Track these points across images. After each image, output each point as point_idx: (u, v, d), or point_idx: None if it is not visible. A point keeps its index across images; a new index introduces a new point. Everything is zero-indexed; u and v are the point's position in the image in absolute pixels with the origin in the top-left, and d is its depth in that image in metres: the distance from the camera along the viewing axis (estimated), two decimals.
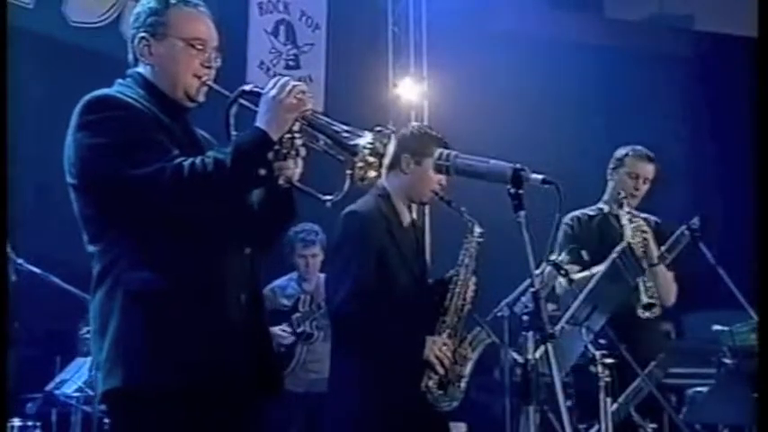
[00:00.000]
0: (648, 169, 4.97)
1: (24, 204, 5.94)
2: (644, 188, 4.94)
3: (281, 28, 7.88)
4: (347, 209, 3.85)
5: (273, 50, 7.78)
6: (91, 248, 2.68)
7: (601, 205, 5.03)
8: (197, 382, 2.57)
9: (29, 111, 5.96)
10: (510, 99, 8.35)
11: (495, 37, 8.74)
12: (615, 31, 9.51)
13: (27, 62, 5.96)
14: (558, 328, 3.47)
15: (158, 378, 2.53)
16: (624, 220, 4.81)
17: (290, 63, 7.60)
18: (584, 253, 4.64)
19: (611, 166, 5.03)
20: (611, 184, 5.02)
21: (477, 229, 3.97)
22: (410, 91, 8.43)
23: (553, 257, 4.02)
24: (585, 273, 4.27)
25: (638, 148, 5.02)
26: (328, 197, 2.72)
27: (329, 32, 8.11)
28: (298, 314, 5.90)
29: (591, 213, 4.98)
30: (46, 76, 6.33)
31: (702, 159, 9.16)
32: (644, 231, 4.75)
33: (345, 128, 2.62)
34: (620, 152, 5.04)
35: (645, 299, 4.62)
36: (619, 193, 4.92)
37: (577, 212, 4.96)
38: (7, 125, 3.85)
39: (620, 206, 4.87)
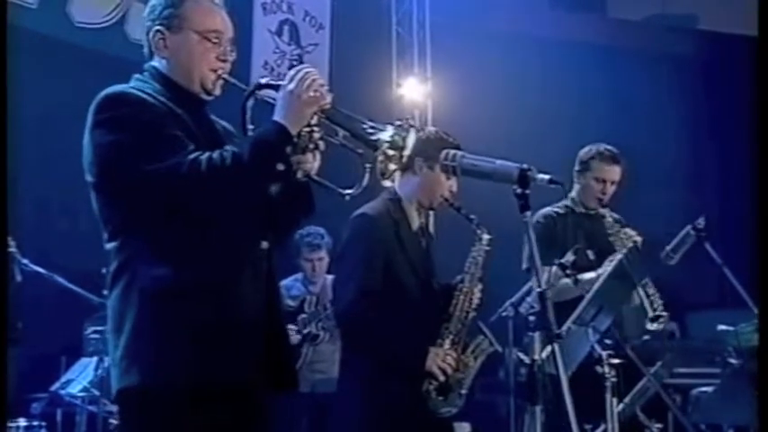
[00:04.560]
0: (615, 171, 4.85)
1: (26, 202, 5.94)
2: (611, 190, 4.84)
3: (285, 28, 7.90)
4: (356, 212, 3.84)
5: (277, 50, 7.80)
6: (108, 246, 2.66)
7: (568, 203, 4.91)
8: (213, 380, 2.56)
9: (32, 110, 5.96)
10: (513, 99, 8.37)
11: (498, 37, 8.75)
12: (618, 31, 9.53)
13: (31, 62, 5.96)
14: (564, 328, 3.47)
15: (175, 375, 2.52)
16: (610, 220, 4.76)
17: (294, 63, 7.59)
18: (589, 252, 4.62)
19: (576, 168, 4.91)
20: (577, 186, 4.92)
21: (486, 237, 3.95)
22: (414, 91, 8.46)
23: (563, 259, 4.03)
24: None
25: (603, 149, 4.89)
26: (348, 191, 2.71)
27: (333, 33, 8.13)
28: (304, 315, 5.90)
29: (561, 211, 4.88)
30: (50, 76, 6.33)
31: (705, 158, 9.16)
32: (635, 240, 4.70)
33: (368, 122, 2.61)
34: (585, 154, 4.92)
35: (651, 312, 4.58)
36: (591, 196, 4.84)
37: (547, 210, 4.85)
38: (7, 125, 3.84)
39: (603, 207, 4.82)
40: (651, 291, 4.58)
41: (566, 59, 8.93)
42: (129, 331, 2.54)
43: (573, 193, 4.91)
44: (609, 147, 4.90)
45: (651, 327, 4.59)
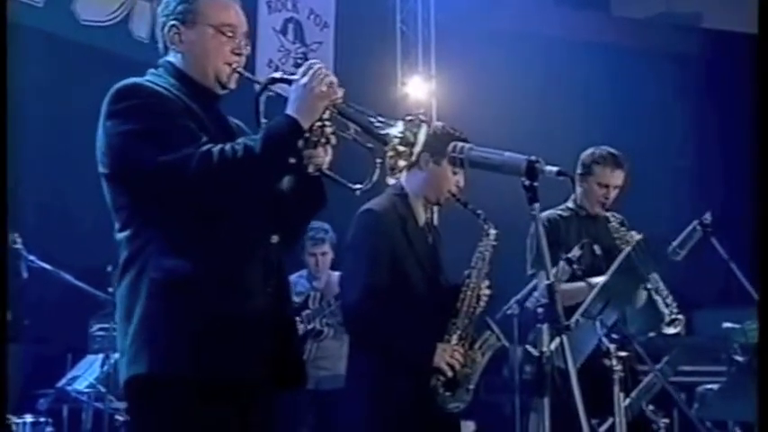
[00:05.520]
0: (618, 176, 4.78)
1: (31, 199, 5.95)
2: (614, 194, 4.79)
3: (290, 26, 7.91)
4: (363, 207, 3.83)
5: (282, 49, 7.81)
6: (119, 236, 2.67)
7: (571, 205, 4.86)
8: (221, 372, 2.57)
9: (37, 108, 5.98)
10: (517, 97, 8.37)
11: (502, 35, 8.75)
12: (622, 29, 9.52)
13: (37, 61, 5.97)
14: (572, 320, 3.46)
15: (183, 366, 2.53)
16: (615, 225, 4.75)
17: (299, 61, 7.60)
18: (596, 247, 4.60)
19: (578, 171, 4.82)
20: (579, 189, 4.83)
21: (493, 232, 3.94)
22: (418, 89, 8.47)
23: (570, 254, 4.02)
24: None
25: (606, 153, 4.80)
26: (358, 186, 2.71)
27: (338, 31, 8.14)
28: (308, 311, 5.90)
29: (564, 214, 4.82)
30: (56, 74, 6.34)
31: (709, 156, 9.15)
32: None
33: (377, 117, 2.62)
34: (587, 158, 4.83)
35: (668, 316, 4.56)
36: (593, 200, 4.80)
37: (551, 213, 4.77)
38: (11, 122, 3.85)
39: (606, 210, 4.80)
40: (665, 293, 4.56)
41: (570, 58, 8.93)
42: (139, 320, 2.55)
43: (575, 196, 4.87)
44: (612, 150, 4.84)
45: (668, 330, 4.58)
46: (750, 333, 5.11)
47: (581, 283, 4.20)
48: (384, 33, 8.40)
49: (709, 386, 5.36)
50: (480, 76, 8.08)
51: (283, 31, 7.82)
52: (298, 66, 2.78)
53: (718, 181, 8.86)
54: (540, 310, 2.60)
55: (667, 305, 4.55)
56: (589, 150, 4.87)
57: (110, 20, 6.67)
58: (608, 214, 4.77)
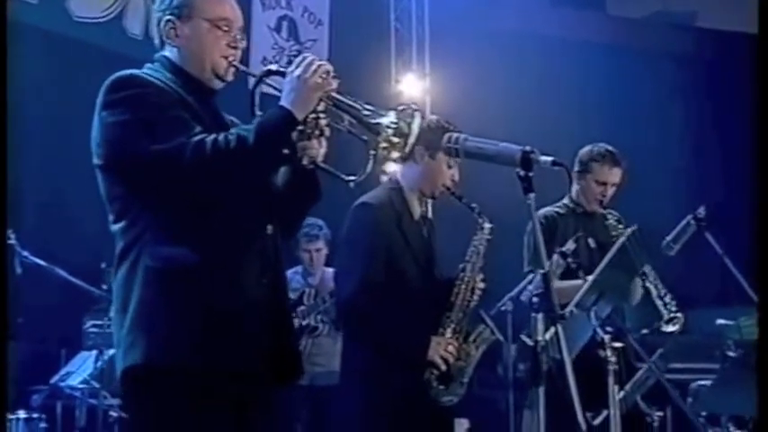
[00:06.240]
0: (615, 174, 4.77)
1: (26, 195, 5.94)
2: (611, 192, 4.78)
3: (284, 24, 7.92)
4: (358, 201, 3.83)
5: (276, 46, 7.82)
6: (114, 227, 2.68)
7: (567, 202, 4.86)
8: (216, 363, 2.57)
9: (33, 104, 5.97)
10: (512, 96, 8.36)
11: (497, 33, 8.76)
12: (618, 29, 9.52)
13: (32, 58, 5.97)
14: (567, 310, 3.46)
15: (179, 355, 2.53)
16: (613, 222, 4.75)
17: (293, 59, 7.60)
18: (590, 241, 4.60)
19: (575, 168, 4.80)
20: (577, 187, 4.82)
21: (487, 226, 3.94)
22: (412, 87, 8.48)
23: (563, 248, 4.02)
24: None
25: (604, 150, 4.79)
26: (351, 177, 2.71)
27: (332, 29, 8.16)
28: (302, 307, 5.91)
29: (561, 211, 4.82)
30: (50, 71, 6.34)
31: (706, 155, 9.16)
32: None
33: (368, 107, 2.62)
34: (585, 155, 4.82)
35: (667, 314, 4.56)
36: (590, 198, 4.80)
37: (548, 210, 4.78)
38: (8, 119, 3.83)
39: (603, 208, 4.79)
40: (664, 291, 4.56)
41: (566, 57, 8.93)
42: (134, 310, 2.56)
43: (572, 193, 4.86)
44: (609, 148, 4.82)
45: (667, 329, 4.57)
46: (745, 329, 5.11)
47: (578, 281, 4.21)
48: (378, 31, 8.41)
49: (702, 383, 5.37)
50: (475, 75, 8.07)
51: (277, 29, 7.83)
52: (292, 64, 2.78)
53: (715, 180, 8.87)
54: (535, 299, 2.60)
55: (665, 304, 4.55)
56: (587, 148, 4.87)
57: (103, 16, 6.68)
58: (605, 212, 4.76)
